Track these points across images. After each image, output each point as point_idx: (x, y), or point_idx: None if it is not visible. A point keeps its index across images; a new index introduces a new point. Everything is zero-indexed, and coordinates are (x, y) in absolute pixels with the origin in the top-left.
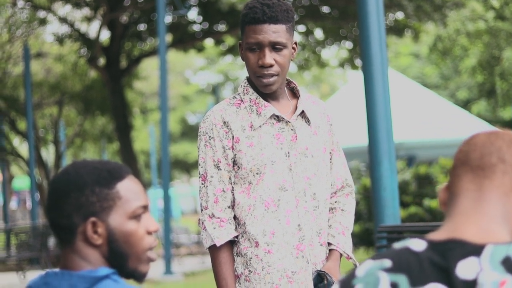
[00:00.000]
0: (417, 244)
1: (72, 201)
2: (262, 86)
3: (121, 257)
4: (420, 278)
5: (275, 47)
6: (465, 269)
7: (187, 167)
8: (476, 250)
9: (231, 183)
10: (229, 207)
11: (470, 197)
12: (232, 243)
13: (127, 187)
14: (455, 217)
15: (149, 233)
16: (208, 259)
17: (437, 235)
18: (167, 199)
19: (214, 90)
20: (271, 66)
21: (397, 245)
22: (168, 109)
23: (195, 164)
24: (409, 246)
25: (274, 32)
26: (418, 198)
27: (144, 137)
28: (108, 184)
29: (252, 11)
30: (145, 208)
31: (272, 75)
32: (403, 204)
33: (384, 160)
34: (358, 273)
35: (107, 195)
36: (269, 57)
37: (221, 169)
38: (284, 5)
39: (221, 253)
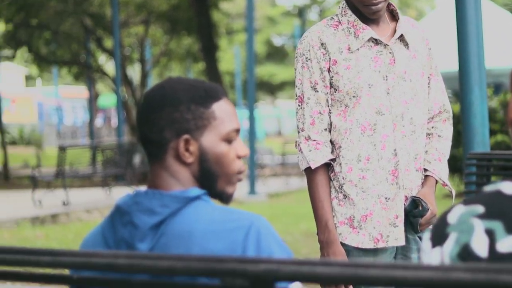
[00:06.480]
0: (509, 187)
1: (166, 116)
2: (370, 14)
3: (211, 177)
4: None
5: None
6: None
7: (272, 88)
8: None
9: (328, 106)
10: (325, 129)
11: None
12: (327, 166)
13: (223, 108)
14: None
15: (239, 157)
16: (292, 181)
17: None
18: (252, 120)
19: (300, 13)
20: None
21: (487, 189)
22: (254, 31)
23: (280, 86)
24: (500, 189)
25: None
26: (505, 126)
27: (229, 58)
28: (205, 102)
29: None
30: (238, 132)
31: (380, 2)
32: (491, 132)
33: (475, 87)
34: (450, 220)
35: (202, 113)
36: None
37: (318, 91)
38: None
39: (317, 176)
